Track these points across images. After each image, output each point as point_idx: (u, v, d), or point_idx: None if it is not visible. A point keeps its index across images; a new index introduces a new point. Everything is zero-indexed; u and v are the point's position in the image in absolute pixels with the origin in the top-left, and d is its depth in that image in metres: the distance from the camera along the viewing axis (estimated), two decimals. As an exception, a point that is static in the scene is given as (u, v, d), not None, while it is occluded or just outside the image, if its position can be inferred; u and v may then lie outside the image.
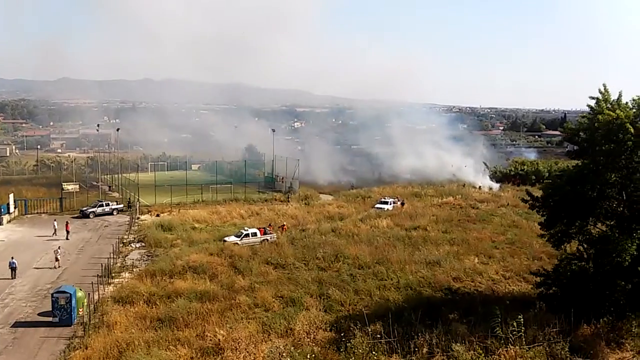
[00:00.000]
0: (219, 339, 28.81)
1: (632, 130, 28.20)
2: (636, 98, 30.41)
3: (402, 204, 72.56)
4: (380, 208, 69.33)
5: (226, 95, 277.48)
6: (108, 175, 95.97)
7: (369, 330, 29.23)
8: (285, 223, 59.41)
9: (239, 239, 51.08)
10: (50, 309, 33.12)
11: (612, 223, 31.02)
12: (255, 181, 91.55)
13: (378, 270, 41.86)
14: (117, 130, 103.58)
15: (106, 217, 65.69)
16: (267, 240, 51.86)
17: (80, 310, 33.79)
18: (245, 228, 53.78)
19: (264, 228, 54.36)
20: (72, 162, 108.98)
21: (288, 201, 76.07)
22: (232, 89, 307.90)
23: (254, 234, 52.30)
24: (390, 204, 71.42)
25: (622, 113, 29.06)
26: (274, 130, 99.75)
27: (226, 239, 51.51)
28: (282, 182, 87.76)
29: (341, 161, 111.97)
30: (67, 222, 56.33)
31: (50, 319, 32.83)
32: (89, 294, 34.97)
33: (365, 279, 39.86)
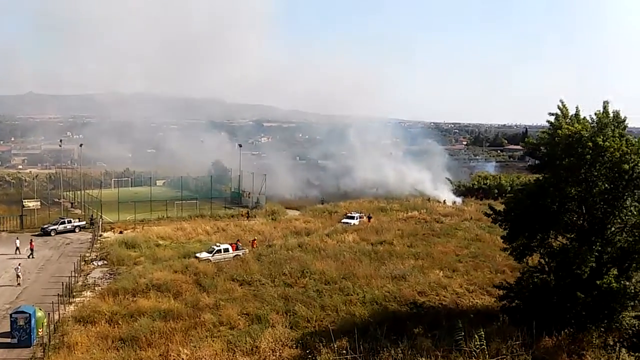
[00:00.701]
0: (182, 359, 28.44)
1: (590, 144, 28.89)
2: (597, 112, 31.25)
3: (369, 218, 72.94)
4: (347, 223, 69.54)
5: (193, 109, 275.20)
6: (70, 192, 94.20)
7: (335, 346, 29.17)
8: (255, 238, 59.12)
9: (211, 255, 50.64)
10: (8, 329, 32.37)
11: (572, 236, 31.58)
12: (222, 197, 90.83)
13: (344, 286, 41.91)
14: (80, 145, 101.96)
15: (68, 234, 64.29)
16: (240, 255, 51.51)
17: (40, 330, 32.98)
18: (217, 244, 53.38)
19: (236, 244, 54.04)
20: (33, 178, 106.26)
21: (247, 217, 75.64)
22: (200, 103, 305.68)
23: (226, 250, 51.96)
24: (356, 219, 71.71)
25: (580, 127, 29.85)
26: (240, 146, 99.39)
27: (198, 255, 51.02)
28: (249, 197, 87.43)
29: (308, 176, 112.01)
30: (30, 239, 55.12)
31: (8, 340, 32.04)
32: (49, 313, 34.15)
33: (332, 295, 39.82)
